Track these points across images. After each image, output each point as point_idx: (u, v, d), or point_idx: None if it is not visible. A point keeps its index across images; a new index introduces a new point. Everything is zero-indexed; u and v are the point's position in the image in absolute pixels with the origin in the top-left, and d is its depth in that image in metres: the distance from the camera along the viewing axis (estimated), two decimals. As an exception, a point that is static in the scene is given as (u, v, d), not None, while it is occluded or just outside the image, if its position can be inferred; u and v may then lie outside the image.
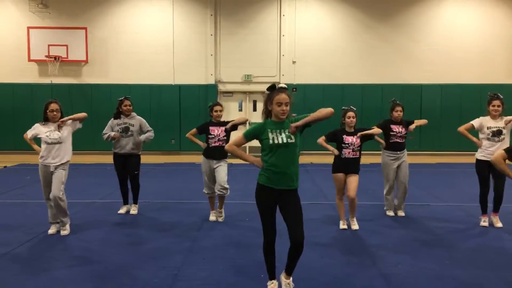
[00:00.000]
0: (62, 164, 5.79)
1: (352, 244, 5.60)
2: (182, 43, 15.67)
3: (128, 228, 6.37)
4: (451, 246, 5.49)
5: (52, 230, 5.93)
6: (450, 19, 15.62)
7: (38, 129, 5.85)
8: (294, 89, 14.80)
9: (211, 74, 15.71)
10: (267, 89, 3.92)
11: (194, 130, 6.61)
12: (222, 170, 6.46)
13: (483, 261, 4.95)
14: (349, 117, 6.14)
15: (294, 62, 15.62)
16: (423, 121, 7.11)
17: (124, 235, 5.98)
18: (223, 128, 6.45)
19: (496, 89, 7.60)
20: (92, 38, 15.53)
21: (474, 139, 6.37)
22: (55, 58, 15.15)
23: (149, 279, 4.40)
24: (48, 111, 5.84)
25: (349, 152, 6.08)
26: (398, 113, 6.78)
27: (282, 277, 4.05)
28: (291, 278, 4.03)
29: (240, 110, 15.70)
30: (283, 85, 3.89)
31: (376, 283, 4.35)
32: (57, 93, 14.32)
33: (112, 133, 6.81)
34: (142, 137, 6.96)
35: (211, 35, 15.62)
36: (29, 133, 5.90)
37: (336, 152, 6.15)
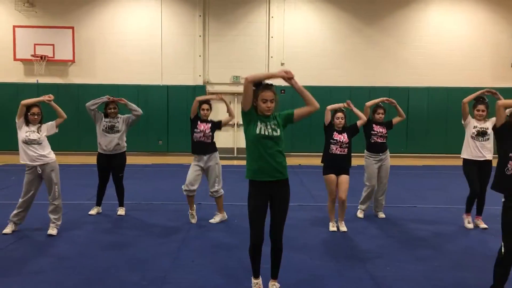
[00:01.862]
0: (47, 164, 5.74)
1: (341, 246, 5.61)
2: (170, 43, 15.60)
3: (115, 229, 6.30)
4: (438, 248, 5.53)
5: (8, 229, 5.87)
6: (437, 24, 15.78)
7: (22, 127, 5.79)
8: (282, 91, 14.79)
9: (200, 75, 15.66)
10: (254, 86, 3.92)
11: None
12: (213, 172, 6.49)
13: (469, 264, 4.99)
14: (337, 118, 6.18)
15: (282, 63, 15.63)
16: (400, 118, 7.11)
17: (111, 237, 5.91)
18: (209, 125, 6.54)
19: (482, 92, 7.66)
20: (79, 38, 15.38)
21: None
22: (41, 57, 14.97)
23: (137, 281, 4.35)
24: (29, 114, 5.79)
25: (336, 149, 6.11)
26: (379, 115, 6.93)
27: (269, 282, 4.07)
28: (276, 281, 4.06)
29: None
30: (269, 82, 3.90)
31: (366, 285, 4.36)
32: (44, 93, 13.58)
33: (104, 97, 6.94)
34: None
35: (200, 36, 15.58)
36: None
37: (344, 105, 6.28)
